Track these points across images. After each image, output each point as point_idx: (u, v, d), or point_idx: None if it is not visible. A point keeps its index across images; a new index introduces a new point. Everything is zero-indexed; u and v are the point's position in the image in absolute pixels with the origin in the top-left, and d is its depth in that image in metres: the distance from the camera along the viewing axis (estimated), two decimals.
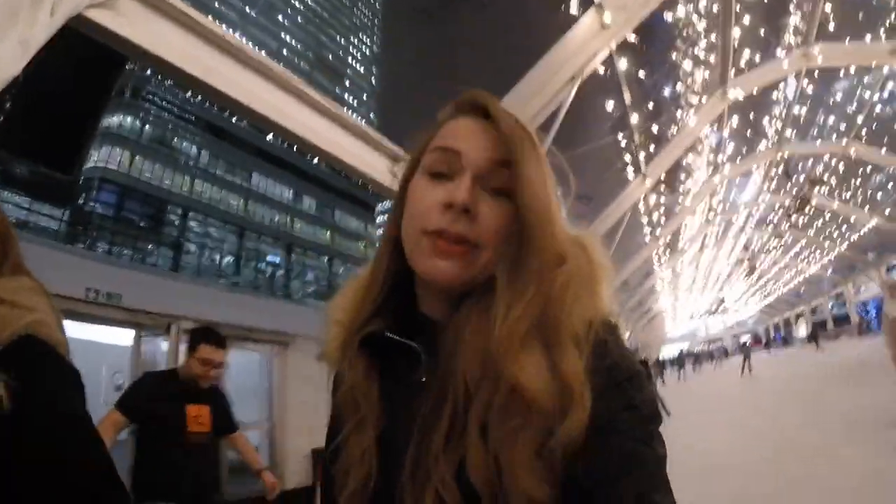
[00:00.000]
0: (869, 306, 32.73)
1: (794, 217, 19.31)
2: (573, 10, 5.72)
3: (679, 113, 10.89)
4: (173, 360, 5.88)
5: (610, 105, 8.38)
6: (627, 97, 8.29)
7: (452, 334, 0.63)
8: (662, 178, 12.13)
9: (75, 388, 0.94)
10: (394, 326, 0.69)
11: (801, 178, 16.79)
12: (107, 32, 2.71)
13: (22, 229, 29.18)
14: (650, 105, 9.79)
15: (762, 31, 9.90)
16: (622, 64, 7.02)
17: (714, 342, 62.67)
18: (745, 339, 47.36)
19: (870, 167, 16.40)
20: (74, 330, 6.57)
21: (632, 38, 6.81)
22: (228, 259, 56.60)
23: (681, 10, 8.26)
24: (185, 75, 3.02)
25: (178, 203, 54.22)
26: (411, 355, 0.67)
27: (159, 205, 53.06)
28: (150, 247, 51.64)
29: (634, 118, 8.67)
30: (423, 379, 0.65)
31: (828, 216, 20.69)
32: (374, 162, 3.72)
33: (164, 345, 6.54)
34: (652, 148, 10.81)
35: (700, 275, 30.86)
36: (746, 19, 9.15)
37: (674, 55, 9.78)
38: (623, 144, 10.13)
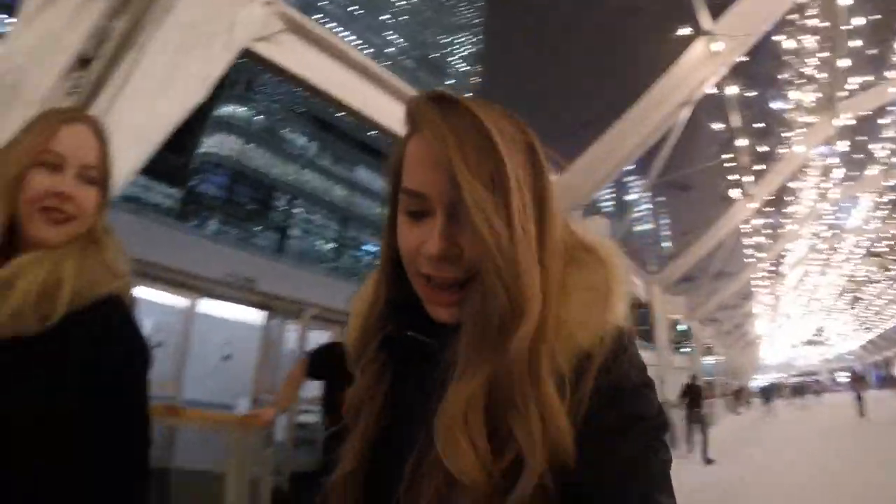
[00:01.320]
0: None
1: None
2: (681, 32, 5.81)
3: (786, 135, 10.53)
4: (301, 342, 6.62)
5: (717, 126, 8.31)
6: (735, 119, 8.19)
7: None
8: (767, 200, 11.72)
9: (143, 362, 1.00)
10: (412, 325, 0.67)
11: None
12: (268, 63, 3.21)
13: (139, 205, 32.31)
14: (757, 126, 9.55)
15: (871, 53, 9.38)
16: (731, 89, 6.97)
17: (811, 375, 58.29)
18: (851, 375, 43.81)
19: None
20: (208, 306, 7.48)
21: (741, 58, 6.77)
22: (330, 245, 59.58)
23: (791, 38, 8.05)
24: (330, 97, 3.49)
25: (285, 190, 57.49)
26: (430, 355, 0.65)
27: (267, 190, 56.44)
28: (256, 229, 54.98)
29: (741, 141, 8.54)
30: (434, 376, 0.63)
31: None
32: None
33: (292, 327, 7.33)
34: (758, 168, 10.52)
35: (801, 301, 29.13)
36: (857, 42, 8.71)
37: (782, 75, 9.50)
38: (729, 165, 9.96)
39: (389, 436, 0.66)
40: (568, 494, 0.53)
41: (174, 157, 60.98)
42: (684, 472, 8.28)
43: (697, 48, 5.52)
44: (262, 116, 56.78)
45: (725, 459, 9.73)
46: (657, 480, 0.55)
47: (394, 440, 0.65)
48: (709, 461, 9.81)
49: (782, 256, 17.26)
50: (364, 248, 61.09)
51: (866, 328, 40.70)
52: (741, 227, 12.20)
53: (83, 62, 2.16)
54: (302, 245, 56.87)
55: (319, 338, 7.35)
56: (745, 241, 13.99)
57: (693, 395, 11.65)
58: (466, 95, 0.64)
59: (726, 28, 5.44)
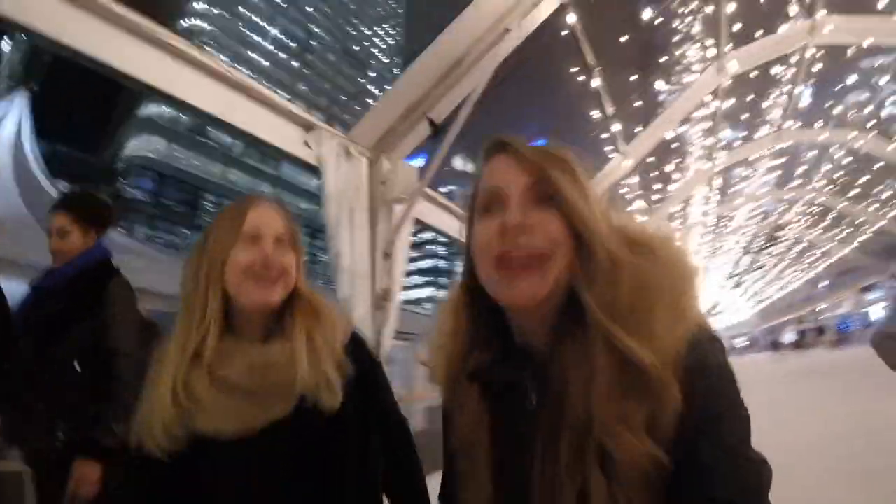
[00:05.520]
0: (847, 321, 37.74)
1: (768, 248, 22.43)
2: None
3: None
4: None
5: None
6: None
7: (557, 369, 0.66)
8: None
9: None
10: (499, 356, 0.75)
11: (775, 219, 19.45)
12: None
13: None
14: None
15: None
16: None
17: None
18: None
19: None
20: None
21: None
22: None
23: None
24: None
25: (211, 190, 57.21)
26: (518, 384, 0.71)
27: (194, 191, 56.17)
28: (185, 230, 54.77)
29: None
30: (532, 407, 0.69)
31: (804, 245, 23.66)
32: (287, 133, 3.54)
33: None
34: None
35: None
36: None
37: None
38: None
39: (499, 462, 0.71)
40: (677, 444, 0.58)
41: (95, 160, 58.26)
42: None
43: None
44: (186, 116, 55.93)
45: None
46: (744, 430, 0.60)
47: (502, 464, 0.71)
48: None
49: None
50: None
51: (758, 301, 46.93)
52: None
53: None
54: None
55: None
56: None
57: None
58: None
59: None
